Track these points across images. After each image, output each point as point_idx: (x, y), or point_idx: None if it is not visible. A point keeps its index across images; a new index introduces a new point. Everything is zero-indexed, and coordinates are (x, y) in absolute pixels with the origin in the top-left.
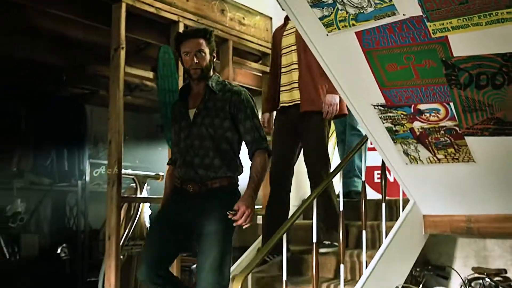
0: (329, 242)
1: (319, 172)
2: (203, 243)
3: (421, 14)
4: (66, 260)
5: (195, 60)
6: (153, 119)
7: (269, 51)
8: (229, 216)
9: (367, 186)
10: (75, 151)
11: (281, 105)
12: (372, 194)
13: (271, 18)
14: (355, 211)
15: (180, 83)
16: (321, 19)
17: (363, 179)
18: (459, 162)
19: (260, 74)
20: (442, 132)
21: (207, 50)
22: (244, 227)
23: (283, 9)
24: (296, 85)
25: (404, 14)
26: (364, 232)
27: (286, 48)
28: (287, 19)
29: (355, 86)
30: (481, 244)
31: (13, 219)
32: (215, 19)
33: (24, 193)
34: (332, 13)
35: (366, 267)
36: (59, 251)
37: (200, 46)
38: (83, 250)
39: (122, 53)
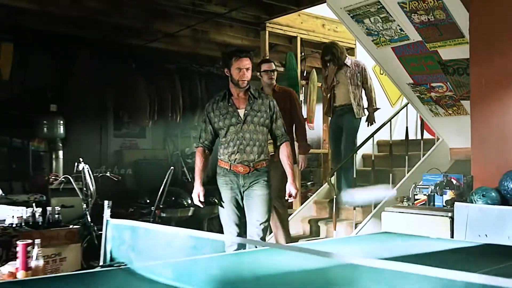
0: None
1: None
2: (253, 204)
3: (421, 39)
4: None
5: (246, 75)
6: None
7: (352, 46)
8: (287, 198)
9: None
10: None
11: None
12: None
13: None
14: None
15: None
16: (372, 41)
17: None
18: (461, 115)
19: None
20: (447, 98)
21: (251, 67)
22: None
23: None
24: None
25: (413, 39)
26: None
27: None
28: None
29: (397, 74)
30: None
31: (190, 156)
32: (319, 31)
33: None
34: (377, 38)
35: None
36: None
37: (248, 65)
38: None
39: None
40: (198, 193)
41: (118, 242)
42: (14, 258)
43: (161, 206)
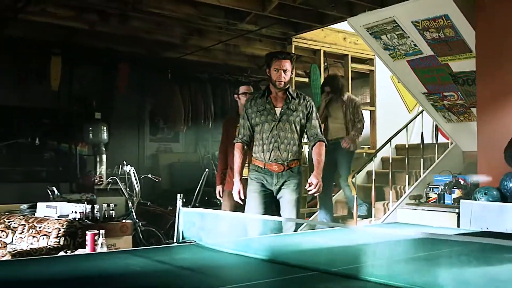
0: None
1: None
2: (284, 205)
3: (433, 54)
4: None
5: (283, 76)
6: None
7: (372, 57)
8: (306, 187)
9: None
10: None
11: None
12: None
13: None
14: None
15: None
16: (389, 54)
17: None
18: (472, 121)
19: (368, 71)
20: (458, 106)
21: (290, 69)
22: (315, 195)
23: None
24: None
25: (426, 54)
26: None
27: None
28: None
29: (412, 84)
30: None
31: None
32: (340, 44)
33: None
34: (394, 52)
35: None
36: None
37: (286, 67)
38: None
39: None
40: (239, 190)
41: (189, 225)
42: (80, 246)
43: (197, 204)
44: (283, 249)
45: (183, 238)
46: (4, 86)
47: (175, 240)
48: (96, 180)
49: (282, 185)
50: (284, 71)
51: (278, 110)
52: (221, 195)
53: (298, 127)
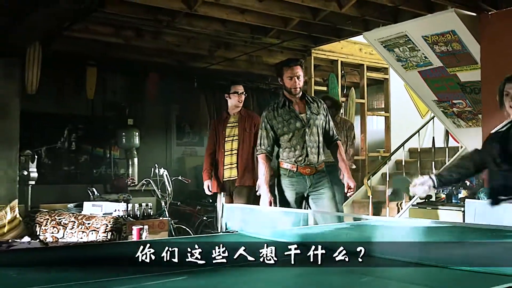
0: None
1: None
2: (321, 204)
3: (442, 65)
4: None
5: (297, 82)
6: None
7: (386, 66)
8: (346, 190)
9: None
10: None
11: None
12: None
13: None
14: None
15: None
16: (402, 65)
17: None
18: (479, 126)
19: (382, 79)
20: (467, 112)
21: (302, 74)
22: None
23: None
24: (235, 165)
25: (436, 65)
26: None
27: (230, 137)
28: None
29: (423, 92)
30: None
31: None
32: (357, 54)
33: None
34: (406, 63)
35: None
36: None
37: (299, 73)
38: None
39: (311, 80)
40: (270, 201)
41: (231, 217)
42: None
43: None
44: (309, 235)
45: (226, 228)
46: (45, 96)
47: (219, 230)
48: (129, 182)
49: (315, 186)
50: (297, 77)
51: (303, 116)
52: (210, 190)
53: (321, 130)
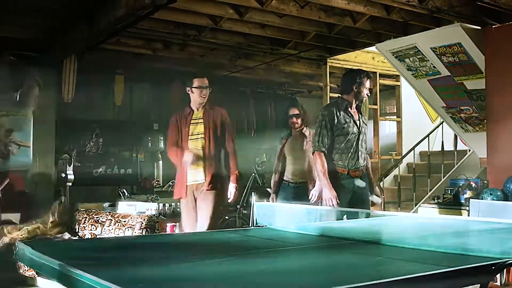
0: None
1: None
2: (361, 203)
3: (450, 74)
4: None
5: (364, 93)
6: None
7: (398, 73)
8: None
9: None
10: None
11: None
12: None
13: None
14: None
15: None
16: (412, 74)
17: None
18: (485, 131)
19: (395, 85)
20: (474, 118)
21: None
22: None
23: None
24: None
25: (444, 74)
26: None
27: (196, 134)
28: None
29: (433, 99)
30: None
31: (261, 165)
32: (370, 63)
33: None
34: (416, 72)
35: None
36: None
37: (369, 85)
38: None
39: (327, 88)
40: (335, 196)
41: (262, 213)
42: None
43: (244, 204)
44: (333, 229)
45: (256, 223)
46: (76, 102)
47: (250, 225)
48: (154, 183)
49: (360, 187)
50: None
51: (358, 122)
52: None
53: (365, 137)
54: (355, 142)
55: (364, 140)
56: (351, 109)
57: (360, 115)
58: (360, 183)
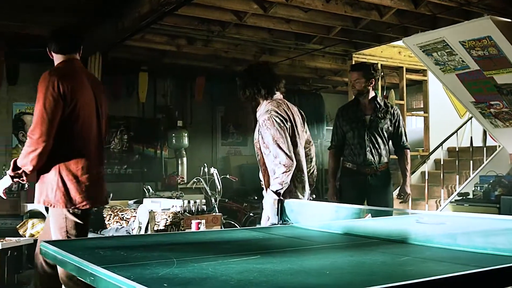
0: None
1: None
2: (377, 200)
3: (479, 68)
4: None
5: (355, 86)
6: None
7: (425, 68)
8: (396, 197)
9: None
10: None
11: None
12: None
13: None
14: None
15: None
16: (440, 69)
17: None
18: None
19: (422, 80)
20: (504, 113)
21: (360, 80)
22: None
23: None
24: None
25: (473, 68)
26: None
27: None
28: None
29: (461, 94)
30: None
31: None
32: (396, 57)
33: None
34: (444, 67)
35: None
36: None
37: (357, 77)
38: None
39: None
40: (334, 193)
41: (288, 211)
42: None
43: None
44: (358, 228)
45: (282, 221)
46: None
47: (277, 222)
48: (179, 180)
49: (375, 186)
50: (355, 81)
51: (367, 118)
52: None
53: (386, 134)
54: (362, 138)
55: (378, 136)
56: (361, 105)
57: (376, 110)
58: (375, 180)
